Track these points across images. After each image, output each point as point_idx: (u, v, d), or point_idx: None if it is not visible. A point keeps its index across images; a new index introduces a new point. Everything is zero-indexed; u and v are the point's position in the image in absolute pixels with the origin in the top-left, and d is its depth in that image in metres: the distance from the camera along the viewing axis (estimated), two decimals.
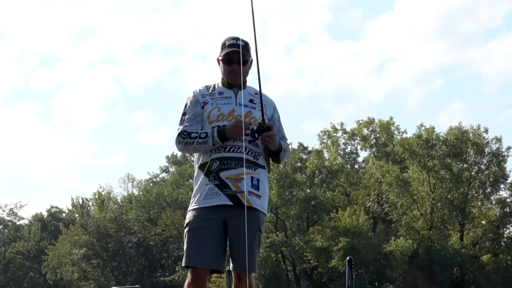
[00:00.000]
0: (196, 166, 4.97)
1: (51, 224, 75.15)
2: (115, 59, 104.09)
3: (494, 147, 44.75)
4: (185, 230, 4.89)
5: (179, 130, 4.91)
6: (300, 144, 54.24)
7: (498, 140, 44.65)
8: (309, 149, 53.58)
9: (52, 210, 77.34)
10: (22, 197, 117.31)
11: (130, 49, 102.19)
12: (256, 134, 4.84)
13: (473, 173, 44.60)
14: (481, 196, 45.72)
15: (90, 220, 61.13)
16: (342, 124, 52.07)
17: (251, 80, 5.06)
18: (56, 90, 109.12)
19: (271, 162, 5.04)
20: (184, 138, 4.87)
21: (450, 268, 42.62)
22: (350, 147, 53.26)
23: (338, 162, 51.22)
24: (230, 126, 4.78)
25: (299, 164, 51.78)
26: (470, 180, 44.23)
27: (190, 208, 4.92)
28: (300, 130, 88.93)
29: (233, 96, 4.96)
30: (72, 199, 66.73)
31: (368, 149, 52.94)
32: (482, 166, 45.08)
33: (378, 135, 52.21)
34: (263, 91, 4.96)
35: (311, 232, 46.43)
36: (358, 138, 52.32)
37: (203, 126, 4.90)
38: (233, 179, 4.76)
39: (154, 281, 58.60)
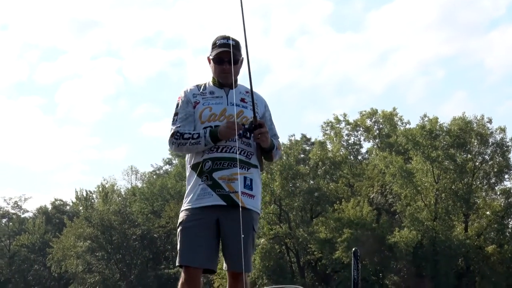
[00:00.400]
0: (189, 166, 4.98)
1: (55, 217, 75.26)
2: (117, 52, 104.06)
3: (498, 137, 44.68)
4: (178, 230, 4.90)
5: (172, 131, 4.92)
6: (303, 136, 54.16)
7: (502, 130, 44.55)
8: (312, 140, 53.50)
9: (56, 203, 77.44)
10: (26, 190, 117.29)
11: (133, 42, 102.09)
12: (248, 132, 4.83)
13: (477, 163, 44.49)
14: (486, 186, 45.63)
15: (94, 213, 61.19)
16: (345, 115, 52.04)
17: (244, 78, 5.04)
18: (59, 83, 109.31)
19: (263, 160, 5.03)
20: (177, 139, 4.88)
21: (454, 259, 42.57)
22: (353, 138, 53.25)
23: (341, 153, 51.13)
24: (222, 127, 4.77)
25: (302, 155, 51.71)
26: (474, 171, 44.13)
27: (182, 208, 4.93)
28: (303, 122, 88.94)
29: (224, 95, 4.96)
30: (76, 192, 66.85)
31: (371, 140, 52.88)
32: (486, 157, 44.98)
33: (381, 126, 52.10)
34: (254, 89, 4.95)
35: (315, 223, 46.41)
36: (361, 129, 52.22)
37: (195, 126, 4.91)
38: (226, 179, 4.78)
39: (158, 273, 58.67)
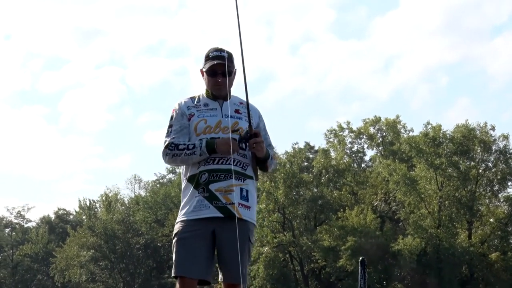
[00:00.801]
0: (184, 178, 4.97)
1: (58, 226, 75.27)
2: (121, 61, 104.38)
3: (501, 144, 44.66)
4: (174, 241, 4.92)
5: (166, 142, 4.92)
6: (307, 144, 54.17)
7: (505, 137, 44.54)
8: (316, 148, 53.50)
9: (60, 212, 77.48)
10: (29, 199, 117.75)
11: (136, 51, 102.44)
12: (243, 141, 4.85)
13: (480, 170, 44.44)
14: (489, 193, 45.58)
15: (98, 222, 61.17)
16: (348, 123, 52.00)
17: (239, 87, 5.06)
18: (63, 92, 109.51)
19: (259, 171, 5.06)
20: (172, 150, 4.88)
21: (458, 267, 42.48)
22: (357, 146, 53.21)
23: (345, 161, 51.11)
24: (221, 142, 4.78)
25: (305, 163, 51.70)
26: (477, 178, 44.08)
27: (178, 219, 4.95)
28: (306, 129, 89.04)
29: (218, 107, 4.98)
30: (79, 201, 66.84)
31: (374, 148, 52.83)
32: (490, 164, 44.94)
33: (384, 133, 52.08)
34: (252, 99, 5.00)
35: (319, 231, 46.34)
36: (364, 136, 52.20)
37: (190, 138, 4.92)
38: (222, 191, 4.79)
39: (162, 282, 58.57)
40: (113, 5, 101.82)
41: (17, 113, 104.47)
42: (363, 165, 54.27)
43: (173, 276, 4.86)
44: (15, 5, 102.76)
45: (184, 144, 4.85)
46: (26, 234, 75.35)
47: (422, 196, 43.77)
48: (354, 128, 51.75)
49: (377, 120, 51.57)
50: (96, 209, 65.97)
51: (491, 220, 43.92)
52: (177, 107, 5.03)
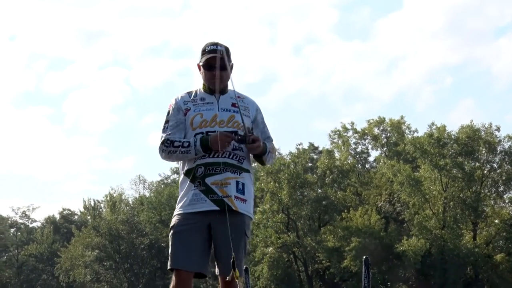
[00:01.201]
0: (182, 172, 5.00)
1: (63, 227, 75.44)
2: (124, 62, 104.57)
3: (506, 145, 44.59)
4: (170, 234, 4.92)
5: (162, 139, 4.94)
6: (311, 144, 54.16)
7: (511, 138, 44.44)
8: (320, 149, 53.48)
9: (64, 212, 77.65)
10: (34, 199, 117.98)
11: (140, 51, 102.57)
12: (240, 143, 4.85)
13: (485, 171, 44.37)
14: (494, 194, 45.49)
15: (102, 222, 61.28)
16: (352, 123, 51.99)
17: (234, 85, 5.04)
18: (67, 93, 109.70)
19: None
20: (167, 147, 4.90)
21: (463, 268, 42.39)
22: (361, 147, 53.15)
23: (349, 161, 51.08)
24: (214, 138, 4.78)
25: (310, 164, 51.69)
26: (482, 179, 44.01)
27: (175, 213, 4.96)
28: (310, 130, 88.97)
29: (215, 101, 4.99)
30: (84, 201, 67.06)
31: (379, 149, 52.77)
32: (495, 165, 44.88)
33: (389, 134, 52.02)
34: (245, 95, 5.05)
35: (323, 232, 46.33)
36: (369, 137, 52.15)
37: (186, 133, 4.93)
38: (219, 184, 4.80)
39: (166, 283, 58.61)
40: (117, 6, 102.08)
41: (21, 113, 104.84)
42: (367, 165, 54.23)
43: (169, 269, 4.86)
44: (19, 6, 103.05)
45: (179, 141, 4.86)
46: (31, 234, 75.55)
47: (427, 197, 43.70)
48: (358, 129, 51.76)
49: (381, 121, 51.52)
50: (100, 210, 66.10)
51: (496, 221, 43.81)
52: (173, 102, 5.04)
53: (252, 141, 4.81)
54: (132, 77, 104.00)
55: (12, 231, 79.14)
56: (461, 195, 43.47)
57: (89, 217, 66.14)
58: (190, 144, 4.82)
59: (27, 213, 77.40)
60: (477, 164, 44.36)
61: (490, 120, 51.35)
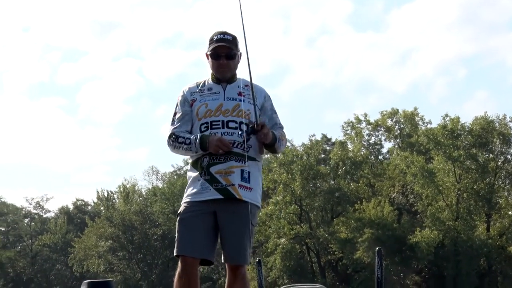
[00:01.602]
0: (189, 162, 5.08)
1: (77, 217, 75.81)
2: (138, 53, 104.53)
3: None
4: (177, 220, 4.96)
5: (169, 132, 5.02)
6: (324, 136, 54.08)
7: None
8: (333, 140, 53.40)
9: (78, 203, 78.00)
10: (48, 190, 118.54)
11: (153, 43, 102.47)
12: (249, 136, 4.84)
13: (499, 163, 44.16)
14: (508, 186, 45.30)
15: (115, 213, 61.54)
16: (365, 115, 51.82)
17: (244, 73, 5.03)
18: (81, 84, 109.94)
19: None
20: (173, 142, 4.99)
21: (476, 259, 42.28)
22: (374, 138, 53.00)
23: (362, 153, 50.97)
24: (212, 142, 4.79)
25: (323, 155, 51.60)
26: (496, 171, 43.82)
27: (182, 201, 5.03)
28: (324, 121, 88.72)
29: (221, 91, 5.00)
30: (98, 192, 67.27)
31: (392, 140, 52.61)
32: (509, 156, 44.69)
33: (402, 125, 51.84)
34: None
35: (336, 223, 46.33)
36: (382, 129, 52.00)
37: (193, 124, 4.98)
38: (222, 173, 4.82)
39: None
40: None
41: (35, 104, 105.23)
42: (380, 157, 54.09)
43: (175, 255, 4.87)
44: None
45: (183, 138, 4.91)
46: (45, 224, 76.02)
47: (440, 188, 43.56)
48: (372, 120, 51.61)
49: (394, 112, 51.35)
50: (114, 200, 66.35)
51: (510, 212, 43.63)
52: (181, 94, 5.09)
53: (261, 128, 4.79)
54: (145, 68, 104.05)
55: (26, 221, 79.66)
56: (475, 187, 43.31)
57: (102, 208, 66.42)
58: (191, 142, 4.87)
59: (41, 203, 77.89)
60: (491, 155, 44.16)
61: (504, 112, 51.10)
